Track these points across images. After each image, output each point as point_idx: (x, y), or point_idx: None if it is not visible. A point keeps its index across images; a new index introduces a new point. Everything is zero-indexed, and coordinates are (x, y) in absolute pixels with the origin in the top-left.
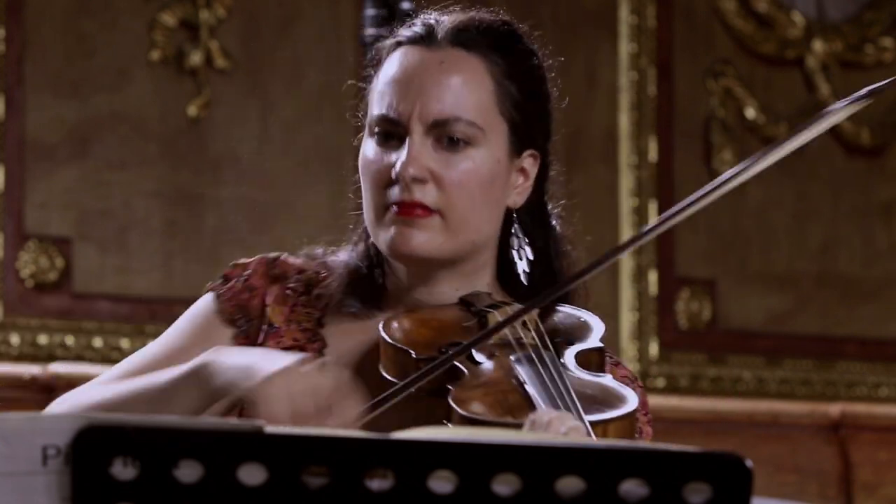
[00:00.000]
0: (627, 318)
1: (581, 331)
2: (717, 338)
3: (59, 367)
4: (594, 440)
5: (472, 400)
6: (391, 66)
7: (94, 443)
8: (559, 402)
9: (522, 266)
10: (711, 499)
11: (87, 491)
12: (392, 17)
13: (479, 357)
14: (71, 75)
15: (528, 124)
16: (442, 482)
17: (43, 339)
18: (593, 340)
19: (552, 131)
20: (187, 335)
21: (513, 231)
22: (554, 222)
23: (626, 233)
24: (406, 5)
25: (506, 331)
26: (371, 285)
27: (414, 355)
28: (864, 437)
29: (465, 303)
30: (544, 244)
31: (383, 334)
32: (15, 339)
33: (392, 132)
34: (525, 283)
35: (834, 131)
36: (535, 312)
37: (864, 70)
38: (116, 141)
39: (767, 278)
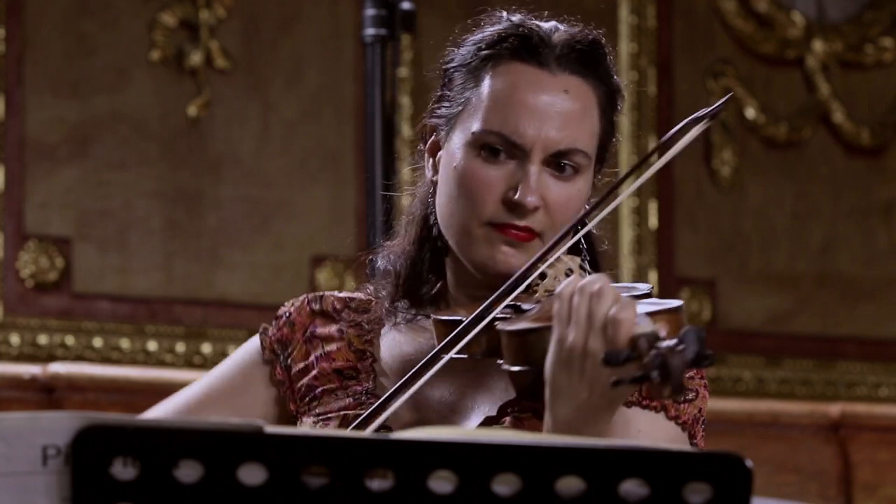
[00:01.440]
0: None
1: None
2: (717, 338)
3: (59, 367)
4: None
5: (517, 322)
6: (504, 82)
7: (94, 443)
8: None
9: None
10: (711, 499)
11: (87, 491)
12: (392, 17)
13: (527, 307)
14: (71, 75)
15: (608, 145)
16: (442, 482)
17: (43, 339)
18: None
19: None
20: (228, 377)
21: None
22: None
23: (626, 233)
24: (406, 5)
25: (552, 280)
26: (422, 289)
27: (466, 319)
28: (864, 437)
29: None
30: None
31: (434, 317)
32: (15, 339)
33: (503, 151)
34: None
35: (834, 131)
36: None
37: (864, 70)
38: (116, 141)
39: (767, 278)
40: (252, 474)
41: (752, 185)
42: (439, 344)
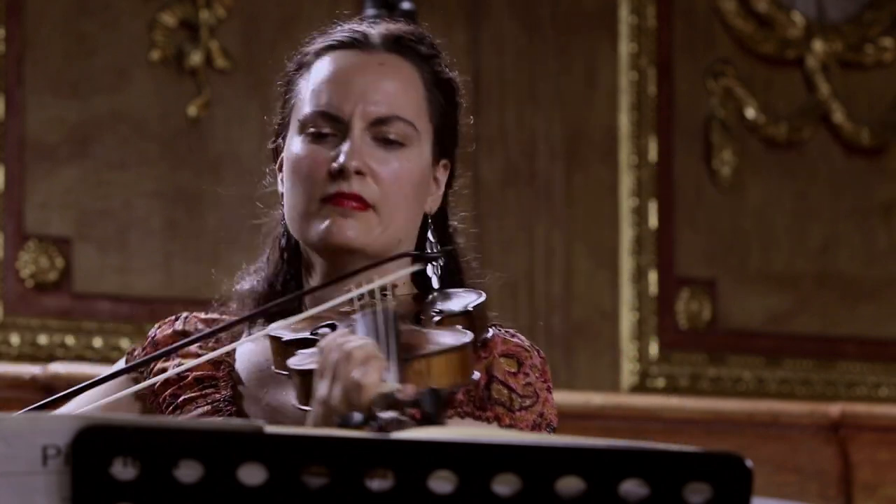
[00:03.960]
0: (627, 318)
1: (455, 303)
2: (717, 338)
3: (59, 367)
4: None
5: (307, 360)
6: (325, 67)
7: (94, 443)
8: (380, 341)
9: (434, 271)
10: (711, 499)
11: (87, 491)
12: (392, 17)
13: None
14: (71, 75)
15: (446, 134)
16: (442, 482)
17: (43, 339)
18: (461, 306)
19: (460, 143)
20: (101, 394)
21: (428, 236)
22: (452, 232)
23: (627, 233)
24: (406, 5)
25: (357, 302)
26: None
27: (284, 338)
28: (864, 437)
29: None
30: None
31: (267, 333)
32: (15, 339)
33: (328, 130)
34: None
35: (834, 131)
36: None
37: (864, 70)
38: (116, 141)
39: (767, 278)
40: (252, 474)
41: (752, 185)
42: (273, 358)
